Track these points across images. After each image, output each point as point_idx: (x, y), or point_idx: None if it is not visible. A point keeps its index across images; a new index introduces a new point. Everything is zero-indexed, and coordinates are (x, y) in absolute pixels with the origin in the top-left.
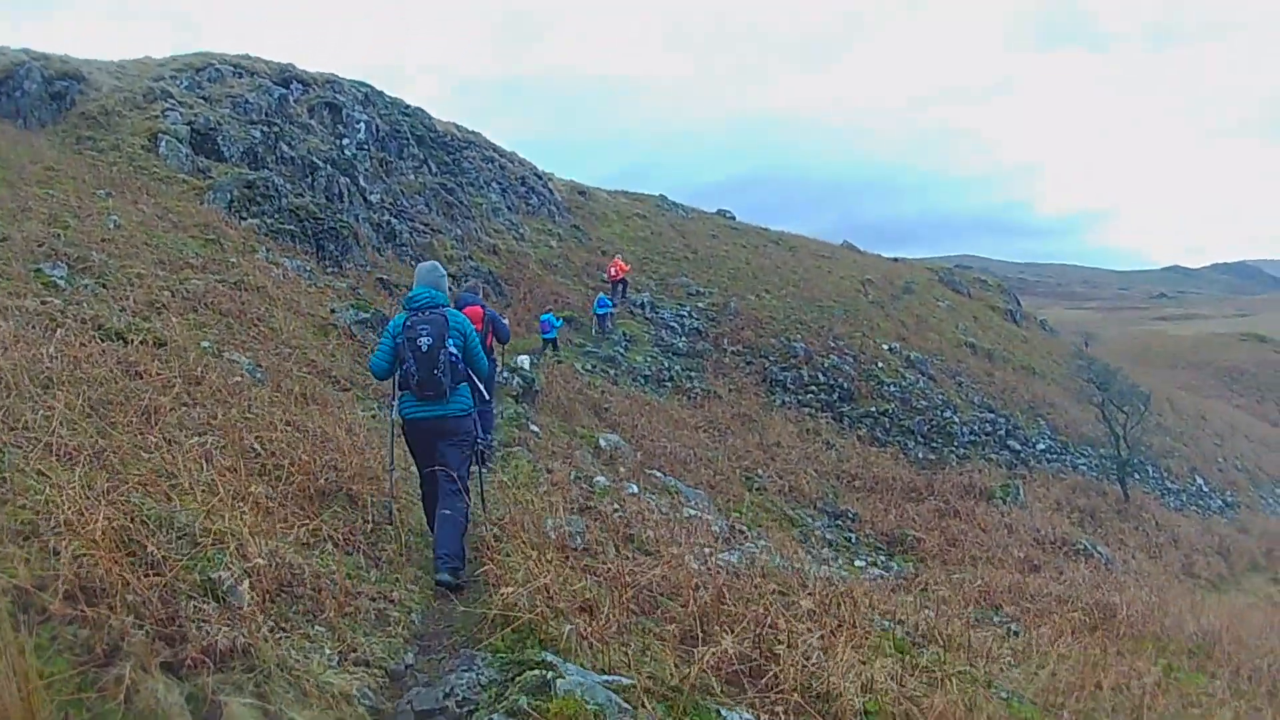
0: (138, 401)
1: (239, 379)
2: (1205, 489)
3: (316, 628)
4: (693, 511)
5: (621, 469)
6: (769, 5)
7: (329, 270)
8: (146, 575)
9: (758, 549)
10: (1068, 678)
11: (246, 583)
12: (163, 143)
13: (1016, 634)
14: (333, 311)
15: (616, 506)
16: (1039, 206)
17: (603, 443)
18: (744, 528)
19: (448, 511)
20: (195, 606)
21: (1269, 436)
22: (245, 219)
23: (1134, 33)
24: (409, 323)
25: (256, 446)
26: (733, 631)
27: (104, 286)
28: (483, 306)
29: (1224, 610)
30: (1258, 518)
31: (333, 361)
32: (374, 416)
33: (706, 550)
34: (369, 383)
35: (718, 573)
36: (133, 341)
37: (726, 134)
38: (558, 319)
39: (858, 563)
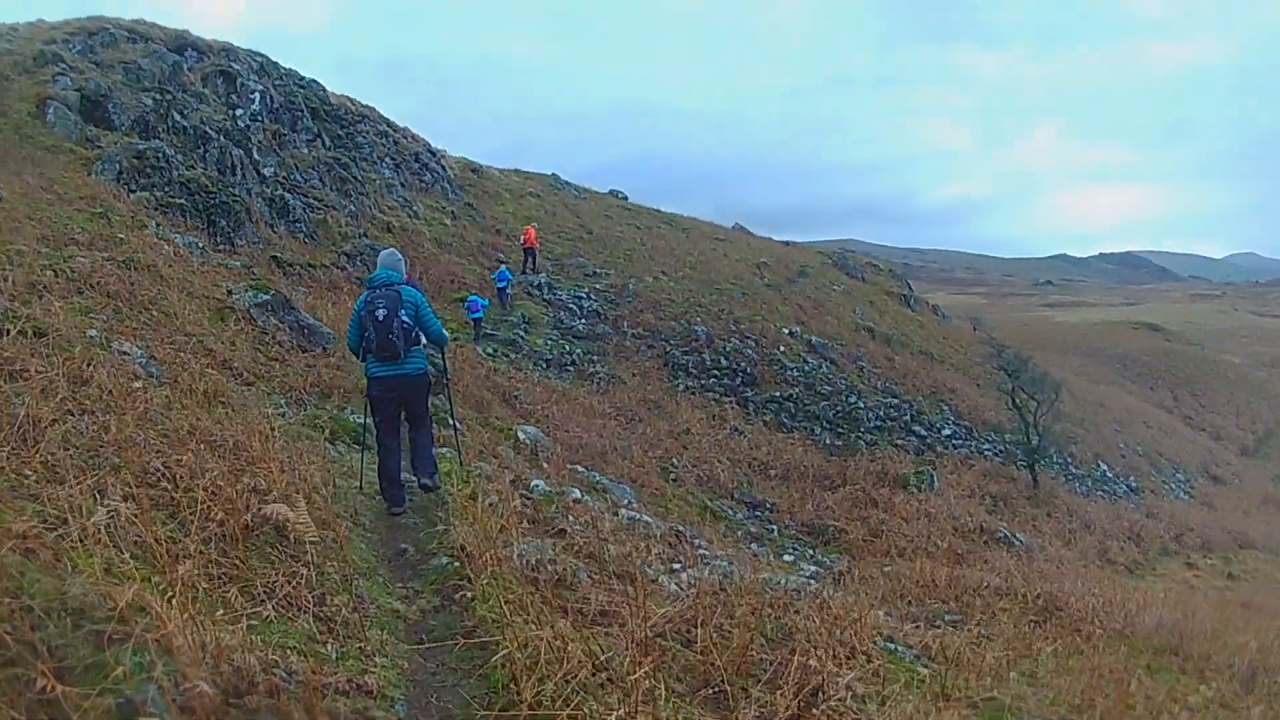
0: (12, 413)
1: (132, 376)
2: (1109, 474)
3: None
4: (631, 514)
5: (545, 465)
6: None
7: (220, 247)
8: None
9: (712, 556)
10: (1088, 695)
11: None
12: (51, 109)
13: (988, 637)
14: (230, 293)
15: (568, 517)
16: (920, 196)
17: (521, 436)
18: (680, 527)
19: (422, 435)
20: None
21: (1165, 422)
22: (135, 191)
23: (1023, 31)
24: (369, 299)
25: (160, 468)
26: (771, 685)
27: None
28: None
29: (1170, 599)
30: (1163, 502)
31: (233, 351)
32: (283, 415)
33: (676, 566)
34: (272, 374)
35: (710, 603)
36: (9, 332)
37: (609, 117)
38: (484, 299)
39: (786, 557)
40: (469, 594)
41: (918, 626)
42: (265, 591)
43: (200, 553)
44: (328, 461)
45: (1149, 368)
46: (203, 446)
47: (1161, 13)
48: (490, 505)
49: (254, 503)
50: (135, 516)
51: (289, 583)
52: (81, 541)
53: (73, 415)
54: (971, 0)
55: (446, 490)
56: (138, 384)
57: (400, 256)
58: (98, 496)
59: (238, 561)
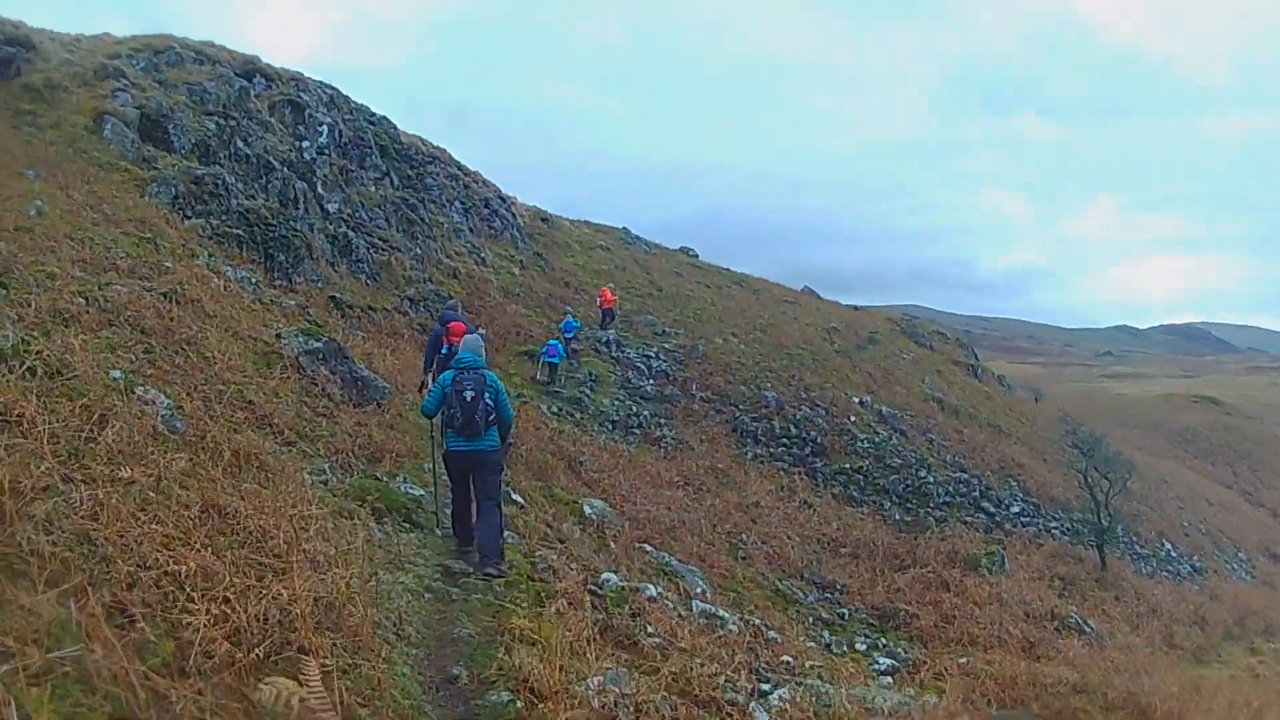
0: None
1: (151, 430)
2: (1173, 554)
3: None
4: (703, 606)
5: (613, 544)
6: (711, 49)
7: (277, 283)
8: None
9: (798, 666)
10: None
11: None
12: (108, 125)
13: None
14: (278, 336)
15: (645, 628)
16: (981, 264)
17: (587, 510)
18: (756, 620)
19: (490, 519)
20: None
21: (1226, 499)
22: (189, 218)
23: (1083, 103)
24: (456, 379)
25: (155, 574)
26: None
27: (3, 287)
28: (464, 321)
29: (1243, 697)
30: (1225, 583)
31: (275, 404)
32: (325, 483)
33: (764, 686)
34: (318, 432)
35: None
36: (16, 369)
37: (677, 172)
38: (564, 348)
39: (859, 645)
40: None
41: None
42: None
43: (195, 704)
44: (370, 547)
45: (1208, 442)
46: (219, 535)
47: (1221, 83)
48: (557, 612)
49: (272, 614)
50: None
51: None
52: (42, 681)
53: (69, 483)
54: (1033, 71)
55: (511, 586)
56: (155, 433)
57: (481, 344)
58: (74, 613)
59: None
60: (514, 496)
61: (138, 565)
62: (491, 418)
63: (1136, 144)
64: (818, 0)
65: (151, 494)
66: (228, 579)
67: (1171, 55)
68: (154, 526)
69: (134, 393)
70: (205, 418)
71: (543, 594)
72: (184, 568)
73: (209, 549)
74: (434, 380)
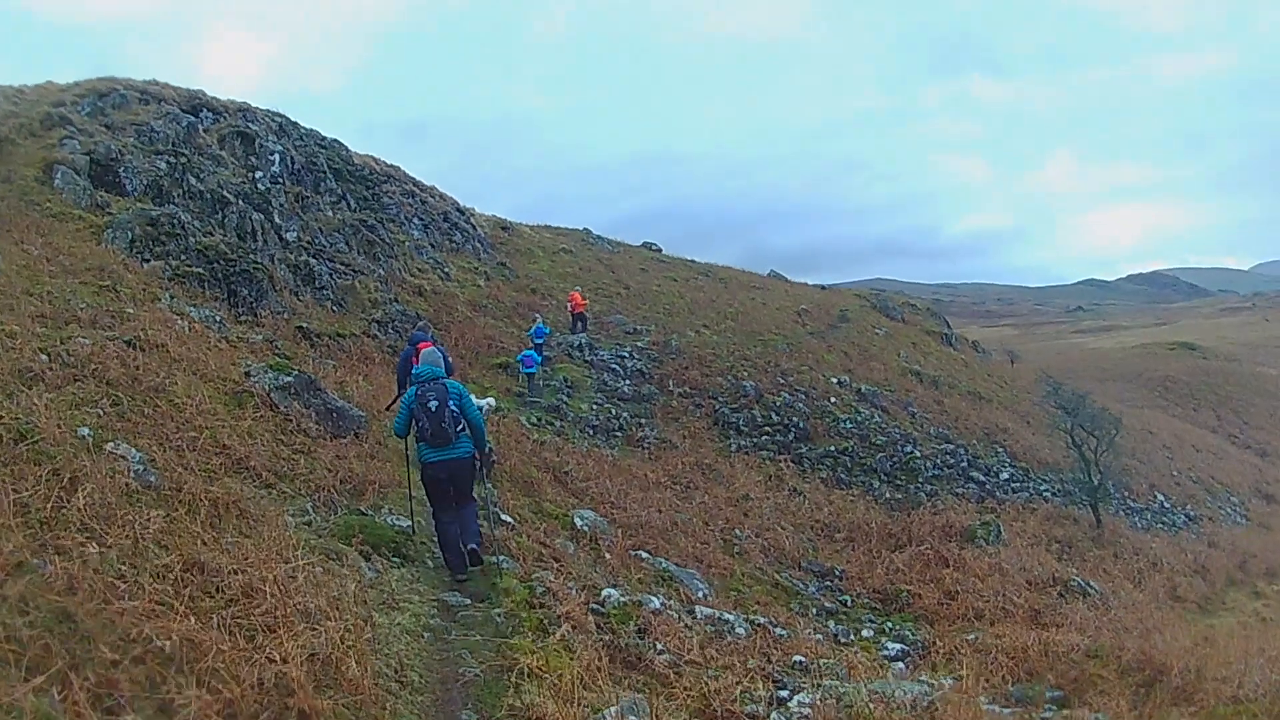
0: None
1: (124, 488)
2: (1166, 505)
3: None
4: (708, 611)
5: (608, 555)
6: (657, 40)
7: (243, 318)
8: None
9: (811, 664)
10: None
11: None
12: (59, 174)
13: None
14: (248, 374)
15: (653, 645)
16: (944, 230)
17: (579, 522)
18: (761, 619)
19: (466, 509)
20: None
21: (1213, 444)
22: (148, 260)
23: (1030, 58)
24: (419, 393)
25: (138, 652)
26: None
27: None
28: (432, 341)
29: (1265, 645)
30: (1222, 530)
31: (250, 445)
32: (309, 524)
33: (782, 693)
34: (296, 470)
35: None
36: None
37: (633, 166)
38: (538, 354)
39: (865, 633)
40: None
41: (1026, 712)
42: None
43: None
44: (362, 588)
45: (1190, 388)
46: (204, 597)
47: (1166, 26)
48: (562, 640)
49: (268, 678)
50: None
51: None
52: None
53: (42, 556)
54: (978, 31)
55: (511, 616)
56: (128, 490)
57: (440, 355)
58: (54, 696)
59: None
60: (504, 517)
61: (120, 641)
62: (460, 426)
63: (1088, 94)
64: None
65: (130, 559)
66: (215, 647)
67: (1117, 2)
68: (135, 596)
69: (104, 449)
70: (179, 468)
71: (545, 621)
72: (168, 643)
73: (194, 614)
74: (488, 457)
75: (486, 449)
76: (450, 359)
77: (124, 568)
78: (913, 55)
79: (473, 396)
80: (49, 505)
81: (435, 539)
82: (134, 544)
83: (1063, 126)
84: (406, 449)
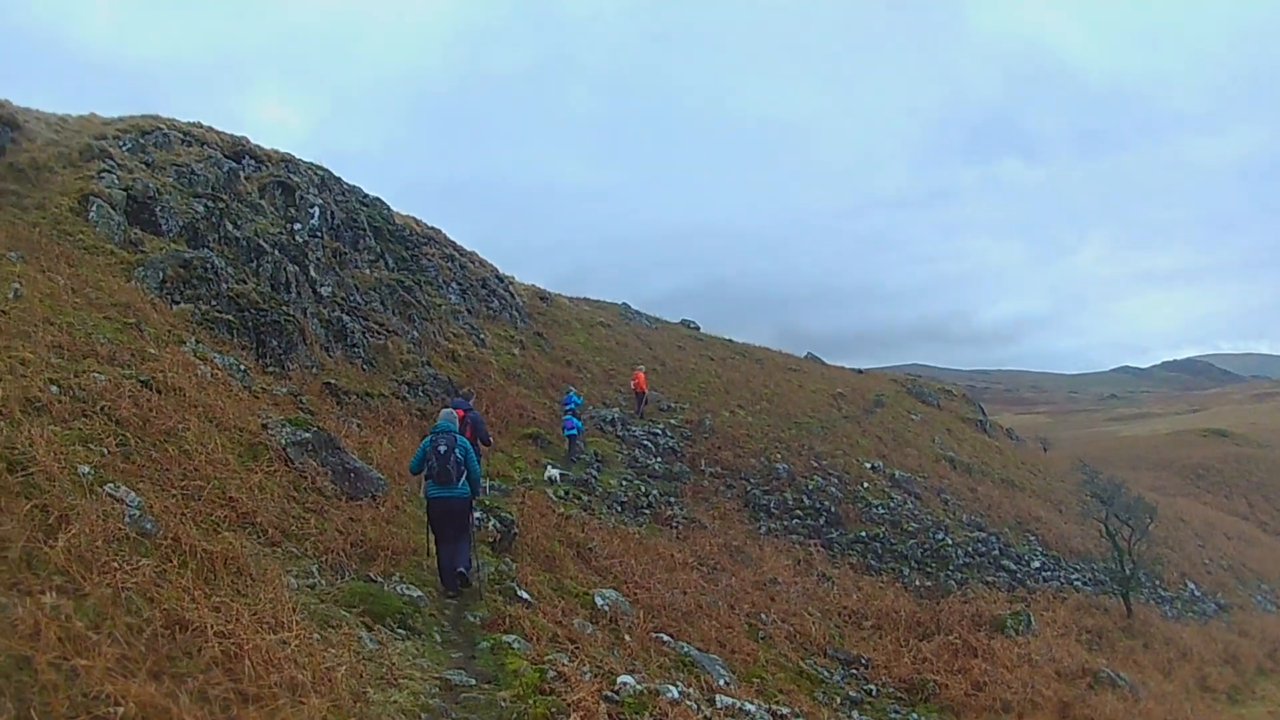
0: None
1: (116, 533)
2: (1197, 594)
3: None
4: (727, 700)
5: (627, 637)
6: (690, 117)
7: (270, 369)
8: None
9: None
10: None
11: None
12: (94, 207)
13: None
14: (264, 427)
15: None
16: (980, 314)
17: (599, 601)
18: (784, 710)
19: (462, 541)
20: None
21: (1244, 532)
22: (177, 303)
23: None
24: (434, 440)
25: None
26: None
27: None
28: (468, 410)
29: None
30: (1253, 618)
31: (259, 500)
32: (312, 587)
33: None
34: (306, 531)
35: None
36: None
37: (667, 241)
38: (578, 418)
39: None
40: None
41: None
42: None
43: None
44: (360, 661)
45: (1221, 475)
46: (183, 657)
47: (1196, 107)
48: None
49: None
50: None
51: None
52: None
53: (14, 594)
54: (1010, 114)
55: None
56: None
57: (454, 414)
58: None
59: None
60: (520, 593)
61: (82, 698)
62: (461, 470)
63: (1121, 177)
64: (797, 63)
65: (108, 609)
66: (180, 716)
67: (1149, 83)
68: (109, 653)
69: (102, 490)
70: (179, 517)
71: (553, 710)
72: (121, 708)
73: (168, 676)
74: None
75: (481, 490)
76: (485, 427)
77: (98, 618)
78: (945, 137)
79: (474, 455)
80: (33, 543)
81: (444, 610)
82: (114, 594)
83: (1096, 210)
84: (418, 488)
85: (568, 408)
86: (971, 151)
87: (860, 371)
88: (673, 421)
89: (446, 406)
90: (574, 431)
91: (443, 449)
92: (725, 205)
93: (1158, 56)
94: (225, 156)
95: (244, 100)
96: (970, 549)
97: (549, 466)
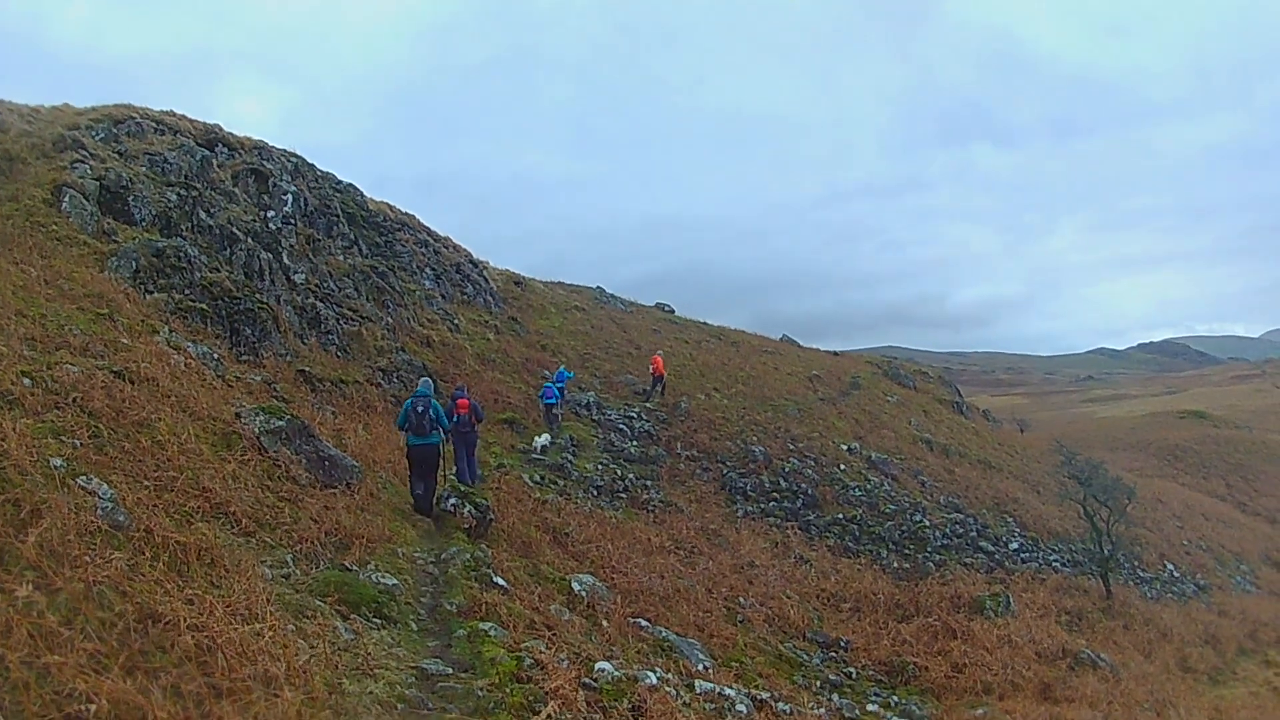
0: None
1: (89, 526)
2: (1176, 574)
3: None
4: (707, 686)
5: (605, 622)
6: (661, 107)
7: (244, 358)
8: None
9: None
10: None
11: None
12: (67, 197)
13: None
14: (238, 416)
15: None
16: (953, 298)
17: (576, 586)
18: (764, 694)
19: (430, 479)
20: None
21: (1222, 512)
22: (150, 292)
23: (1037, 127)
24: (414, 402)
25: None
26: None
27: None
28: (468, 399)
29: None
30: (1232, 598)
31: (233, 490)
32: (286, 577)
33: None
34: (280, 520)
35: None
36: None
37: (643, 230)
38: (559, 389)
39: (870, 707)
40: None
41: None
42: None
43: None
44: (335, 651)
45: (1199, 456)
46: (156, 651)
47: (1170, 95)
48: (549, 717)
49: None
50: None
51: None
52: None
53: None
54: (983, 101)
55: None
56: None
57: (430, 383)
58: None
59: None
60: (496, 580)
61: (54, 696)
62: (434, 425)
63: (1094, 163)
64: (771, 52)
65: (80, 604)
66: (152, 713)
67: (1120, 72)
68: (79, 644)
69: (74, 483)
70: (152, 509)
71: (531, 698)
72: (94, 705)
73: (141, 671)
74: (448, 440)
75: (448, 433)
76: (481, 410)
77: (70, 614)
78: (917, 125)
79: (443, 411)
80: (1, 538)
81: (420, 598)
82: (86, 588)
83: (1070, 196)
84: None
85: (559, 383)
86: (943, 139)
87: (836, 354)
88: (648, 405)
89: (450, 400)
90: (553, 400)
91: (420, 409)
92: (701, 195)
93: (1129, 45)
94: (198, 144)
95: (217, 95)
96: (948, 530)
97: (538, 435)
